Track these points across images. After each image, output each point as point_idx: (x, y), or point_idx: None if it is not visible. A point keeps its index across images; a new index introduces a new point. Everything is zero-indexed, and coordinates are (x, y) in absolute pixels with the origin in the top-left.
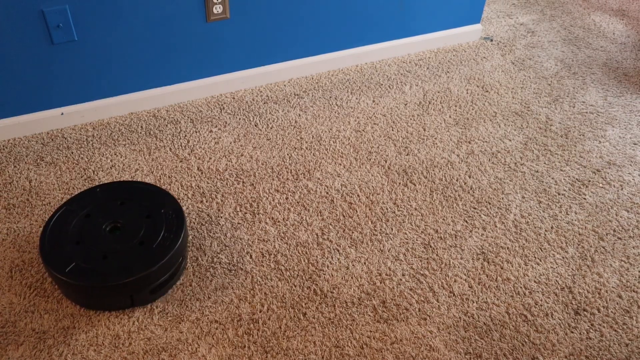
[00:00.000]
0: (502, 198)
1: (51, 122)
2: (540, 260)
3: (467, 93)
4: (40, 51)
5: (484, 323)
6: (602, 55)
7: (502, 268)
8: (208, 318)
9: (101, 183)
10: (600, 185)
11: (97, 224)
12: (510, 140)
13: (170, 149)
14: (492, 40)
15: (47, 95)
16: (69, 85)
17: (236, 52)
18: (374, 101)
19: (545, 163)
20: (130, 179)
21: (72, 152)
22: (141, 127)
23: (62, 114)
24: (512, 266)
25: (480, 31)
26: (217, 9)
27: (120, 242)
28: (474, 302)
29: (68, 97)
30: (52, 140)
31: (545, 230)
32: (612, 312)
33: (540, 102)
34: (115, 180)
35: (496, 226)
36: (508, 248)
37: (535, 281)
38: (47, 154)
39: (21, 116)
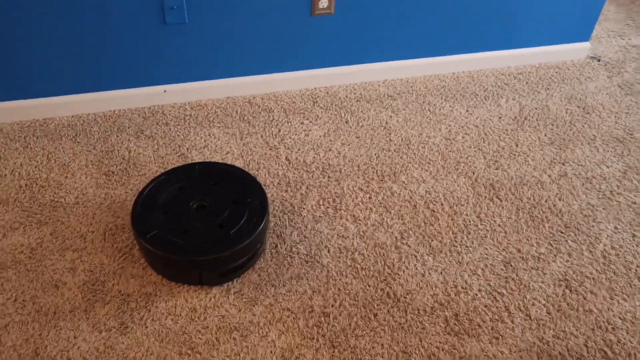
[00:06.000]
0: (593, 226)
1: (154, 98)
2: (628, 297)
3: (566, 113)
4: (152, 29)
5: (560, 352)
6: None
7: (584, 298)
8: (281, 305)
9: (194, 161)
10: None
11: (186, 199)
12: (608, 166)
13: (261, 135)
14: (599, 61)
15: (153, 72)
16: (175, 65)
17: (336, 48)
18: (467, 111)
19: None
20: (220, 161)
21: (170, 129)
22: (236, 111)
23: (164, 91)
24: (597, 298)
25: (588, 50)
26: (323, 4)
27: (203, 221)
28: (550, 328)
29: (172, 75)
30: (153, 115)
31: (637, 266)
32: None
33: None
34: (206, 160)
35: (583, 254)
36: (594, 279)
37: (620, 317)
38: (147, 127)
39: (127, 90)
